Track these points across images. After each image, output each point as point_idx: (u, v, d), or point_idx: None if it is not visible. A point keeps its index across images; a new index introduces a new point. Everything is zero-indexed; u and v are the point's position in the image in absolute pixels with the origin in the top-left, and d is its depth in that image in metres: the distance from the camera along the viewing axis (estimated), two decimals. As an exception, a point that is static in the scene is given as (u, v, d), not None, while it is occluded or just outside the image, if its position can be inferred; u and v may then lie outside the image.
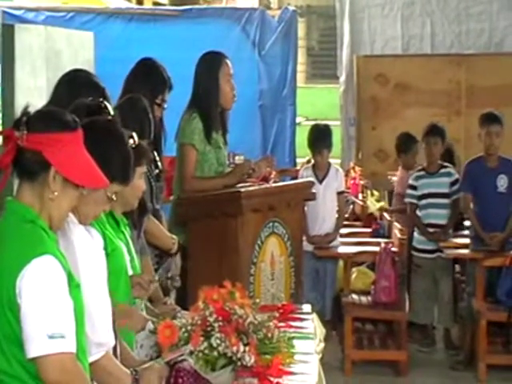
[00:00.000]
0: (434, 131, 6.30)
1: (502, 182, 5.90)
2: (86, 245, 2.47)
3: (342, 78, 9.73)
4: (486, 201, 5.87)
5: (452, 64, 9.15)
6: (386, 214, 6.81)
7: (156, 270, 3.82)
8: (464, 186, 6.05)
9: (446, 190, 6.17)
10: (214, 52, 4.74)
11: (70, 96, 3.01)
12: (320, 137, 6.20)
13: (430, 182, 6.23)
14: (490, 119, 5.90)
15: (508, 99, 8.46)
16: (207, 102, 4.58)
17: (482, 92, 8.86)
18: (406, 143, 6.84)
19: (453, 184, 6.18)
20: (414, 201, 6.25)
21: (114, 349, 2.58)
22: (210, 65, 4.64)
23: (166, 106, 4.30)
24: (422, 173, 6.28)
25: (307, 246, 5.89)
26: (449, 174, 6.21)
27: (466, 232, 6.23)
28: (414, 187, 6.27)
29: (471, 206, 5.95)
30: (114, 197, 2.49)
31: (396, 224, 6.26)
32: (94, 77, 3.33)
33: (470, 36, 9.52)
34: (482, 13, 9.53)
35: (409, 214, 6.33)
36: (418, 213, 6.25)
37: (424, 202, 6.23)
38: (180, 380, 2.56)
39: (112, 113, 2.84)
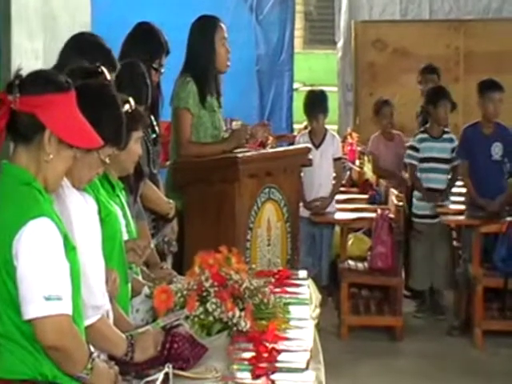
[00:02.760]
0: (446, 94, 6.28)
1: (496, 150, 5.90)
2: (80, 209, 2.46)
3: (340, 44, 9.66)
4: (481, 168, 5.88)
5: (450, 29, 9.09)
6: (382, 180, 6.82)
7: (153, 235, 3.83)
8: (461, 153, 6.05)
9: (447, 156, 6.17)
10: (208, 16, 4.73)
11: (76, 58, 2.99)
12: (316, 102, 6.18)
13: (432, 145, 6.22)
14: (489, 86, 5.87)
15: (507, 65, 8.41)
16: (203, 66, 4.57)
17: (480, 58, 8.80)
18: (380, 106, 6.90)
19: (453, 150, 6.18)
20: (415, 162, 6.24)
21: (107, 313, 2.58)
22: (205, 29, 4.62)
23: (163, 70, 4.28)
24: (425, 135, 6.27)
25: (304, 212, 5.89)
26: (451, 140, 6.20)
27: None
28: (416, 149, 6.25)
29: (467, 172, 5.95)
30: (107, 160, 2.49)
31: (393, 190, 6.26)
32: (99, 39, 3.31)
33: (469, 1, 9.45)
34: (481, -22, 9.46)
35: (409, 175, 6.34)
36: (418, 175, 6.24)
37: (426, 165, 6.22)
38: (175, 345, 2.57)
39: (109, 77, 2.82)
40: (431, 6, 9.60)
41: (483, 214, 5.81)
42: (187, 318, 2.79)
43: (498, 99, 5.83)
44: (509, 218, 5.72)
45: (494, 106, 5.82)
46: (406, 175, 6.64)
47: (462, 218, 5.99)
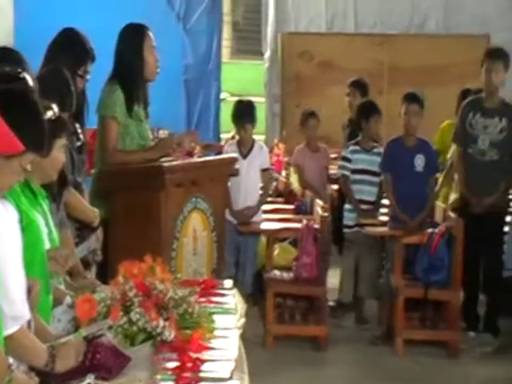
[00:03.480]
0: (378, 109, 6.39)
1: (419, 162, 6.02)
2: (0, 217, 2.41)
3: (267, 55, 9.74)
4: (404, 180, 5.99)
5: (375, 43, 9.26)
6: (308, 191, 6.88)
7: (77, 244, 3.77)
8: (384, 166, 6.15)
9: (377, 169, 6.26)
10: (135, 24, 4.71)
11: None
12: (244, 111, 6.20)
13: (364, 158, 6.31)
14: (409, 99, 6.02)
15: (429, 79, 8.61)
16: (131, 74, 4.54)
17: (404, 72, 8.99)
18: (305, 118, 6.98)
19: None
20: (348, 173, 6.31)
21: (29, 323, 2.53)
22: (133, 37, 4.60)
23: (88, 77, 4.23)
24: (357, 147, 6.35)
25: (232, 219, 5.93)
26: (380, 154, 6.30)
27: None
28: (348, 160, 6.33)
29: (391, 185, 6.06)
30: (28, 167, 2.45)
31: (318, 201, 6.32)
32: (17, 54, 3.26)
33: (393, 16, 9.64)
34: (404, -7, 9.67)
35: (342, 186, 6.41)
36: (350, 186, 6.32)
37: (357, 176, 6.30)
38: (98, 355, 2.54)
39: (31, 83, 2.78)
40: (356, 20, 9.76)
41: (405, 226, 5.91)
42: (110, 327, 2.76)
43: (413, 112, 5.96)
44: (430, 230, 5.83)
45: (409, 118, 5.96)
46: (331, 188, 6.72)
47: (384, 229, 6.09)
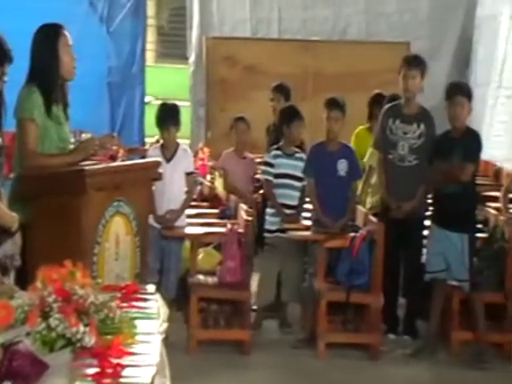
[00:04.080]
0: (299, 114, 6.43)
1: (342, 166, 6.10)
2: None
3: (192, 59, 9.72)
4: (327, 184, 6.06)
5: (299, 49, 9.35)
6: (232, 196, 6.89)
7: (-6, 249, 3.69)
8: (307, 170, 6.21)
9: (299, 174, 6.30)
10: (50, 24, 4.65)
11: None
12: (168, 114, 6.18)
13: (286, 162, 6.34)
14: (331, 105, 6.10)
15: (352, 85, 8.73)
16: (47, 75, 4.47)
17: (327, 78, 9.10)
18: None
19: None
20: (271, 178, 6.34)
21: None
22: (48, 36, 4.54)
23: (6, 79, 4.15)
24: (279, 152, 6.38)
25: (156, 224, 5.90)
26: (302, 159, 6.34)
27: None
28: (271, 165, 6.36)
29: (314, 189, 6.12)
30: None
31: (242, 205, 6.34)
32: None
33: (316, 22, 9.76)
34: (326, 0, 9.78)
35: (265, 191, 6.44)
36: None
37: (280, 181, 6.33)
38: (14, 363, 2.48)
39: None
40: (280, 26, 9.83)
41: (328, 230, 5.98)
42: (28, 334, 2.71)
43: (334, 117, 6.05)
44: (352, 234, 5.91)
45: (330, 123, 6.04)
46: (256, 194, 6.75)
47: (307, 233, 6.14)
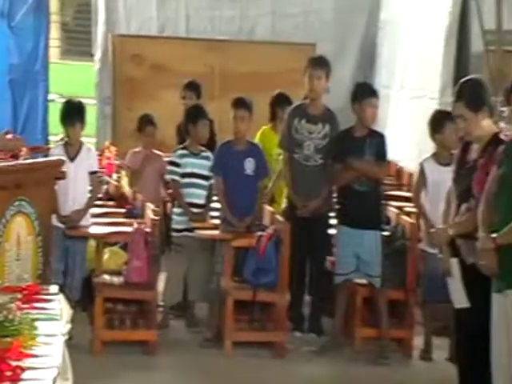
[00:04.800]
0: (205, 113, 6.42)
1: (249, 165, 6.14)
2: None
3: (98, 56, 9.60)
4: (235, 183, 6.09)
5: (206, 48, 9.35)
6: (139, 195, 6.83)
7: None
8: (215, 169, 6.22)
9: (206, 173, 6.30)
10: None
11: None
12: (72, 111, 6.08)
13: (193, 161, 6.33)
14: (237, 104, 6.13)
15: (259, 85, 8.78)
16: None
17: (234, 77, 9.13)
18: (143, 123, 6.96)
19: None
20: (177, 177, 6.31)
21: None
22: None
23: None
24: (185, 151, 6.36)
25: (60, 224, 5.81)
26: (208, 158, 6.34)
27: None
28: (177, 164, 6.33)
29: (222, 188, 6.13)
30: None
31: (149, 204, 6.30)
32: None
33: (223, 22, 9.78)
34: (233, 0, 9.82)
35: (172, 191, 6.41)
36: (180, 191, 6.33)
37: (187, 180, 6.31)
38: None
39: None
40: (187, 24, 9.82)
41: (235, 229, 6.00)
42: None
43: (240, 117, 6.08)
44: (259, 233, 5.95)
45: (236, 122, 6.07)
46: (165, 192, 6.71)
47: (215, 232, 6.15)
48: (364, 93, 5.96)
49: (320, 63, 6.29)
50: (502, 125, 4.68)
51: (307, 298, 6.44)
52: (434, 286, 5.39)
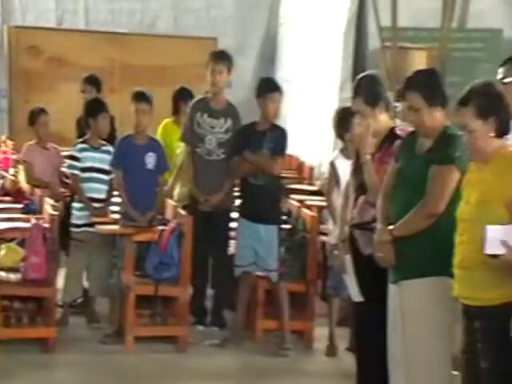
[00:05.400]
0: (105, 106, 6.34)
1: (150, 160, 6.10)
2: None
3: (-7, 48, 9.36)
4: (135, 177, 6.04)
5: (106, 41, 9.23)
6: (37, 190, 6.70)
7: None
8: (115, 163, 6.16)
9: (107, 167, 6.22)
10: None
11: None
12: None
13: (93, 156, 6.24)
14: (138, 98, 6.08)
15: (160, 79, 8.74)
16: None
17: (135, 70, 9.05)
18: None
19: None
20: (77, 172, 6.21)
21: None
22: None
23: None
24: (85, 145, 6.27)
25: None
26: (109, 152, 6.26)
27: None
28: (76, 158, 6.23)
29: (122, 182, 6.08)
30: None
31: (48, 200, 6.18)
32: None
33: (123, 15, 9.68)
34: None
35: (72, 185, 6.31)
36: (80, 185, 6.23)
37: (87, 175, 6.22)
38: None
39: None
40: (87, 17, 9.67)
41: (136, 223, 5.96)
42: None
43: (142, 110, 6.02)
44: (161, 227, 5.92)
45: (138, 116, 6.02)
46: (63, 188, 6.59)
47: (116, 227, 6.08)
48: (268, 87, 6.00)
49: (222, 57, 6.30)
50: (398, 120, 4.79)
51: (210, 291, 6.45)
52: (338, 281, 5.49)
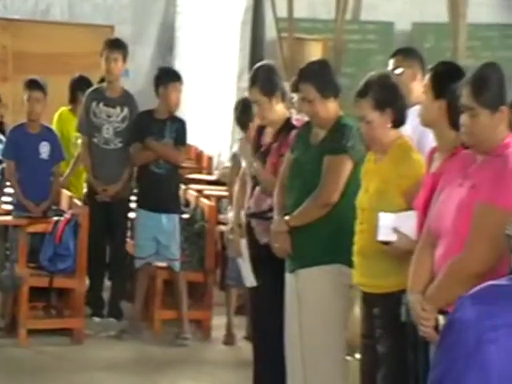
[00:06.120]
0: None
1: (44, 149, 5.98)
2: None
3: None
4: (29, 167, 5.91)
5: (-2, 28, 8.98)
6: None
7: None
8: (7, 153, 6.01)
9: None
10: None
11: None
12: None
13: None
14: (31, 86, 5.95)
15: (55, 67, 8.56)
16: None
17: (29, 58, 8.83)
18: None
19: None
20: None
21: None
22: None
23: None
24: None
25: None
26: (1, 141, 6.09)
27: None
28: None
29: (15, 172, 5.94)
30: None
31: None
32: None
33: (16, 1, 9.44)
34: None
35: None
36: None
37: None
38: None
39: None
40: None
41: (30, 214, 5.83)
42: None
43: (35, 98, 5.90)
44: (55, 218, 5.82)
45: (32, 104, 5.91)
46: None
47: (8, 218, 5.94)
48: (169, 77, 5.97)
49: (116, 45, 6.24)
50: (294, 111, 4.83)
51: (107, 282, 6.38)
52: (238, 270, 5.53)
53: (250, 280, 4.56)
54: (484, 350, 0.92)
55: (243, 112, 5.62)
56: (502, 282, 0.99)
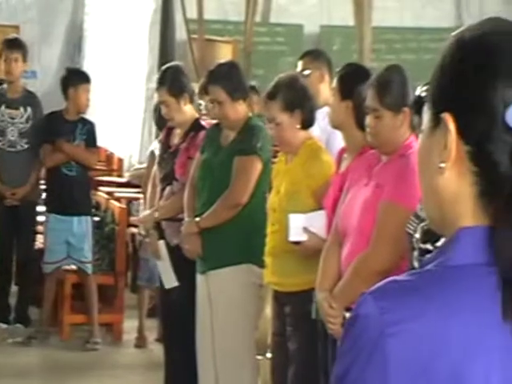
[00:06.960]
0: None
1: None
2: None
3: None
4: None
5: None
6: None
7: None
8: None
9: None
10: None
11: None
12: None
13: None
14: None
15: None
16: None
17: None
18: None
19: None
20: None
21: None
22: None
23: None
24: None
25: None
26: None
27: None
28: None
29: None
30: None
31: None
32: None
33: None
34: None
35: None
36: None
37: None
38: None
39: None
40: None
41: None
42: None
43: None
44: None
45: None
46: None
47: None
48: (78, 78, 5.90)
49: (15, 45, 6.12)
50: (203, 112, 4.84)
51: (14, 288, 6.24)
52: (150, 272, 5.48)
53: (169, 281, 4.51)
54: (384, 344, 0.95)
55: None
56: (403, 277, 1.02)
